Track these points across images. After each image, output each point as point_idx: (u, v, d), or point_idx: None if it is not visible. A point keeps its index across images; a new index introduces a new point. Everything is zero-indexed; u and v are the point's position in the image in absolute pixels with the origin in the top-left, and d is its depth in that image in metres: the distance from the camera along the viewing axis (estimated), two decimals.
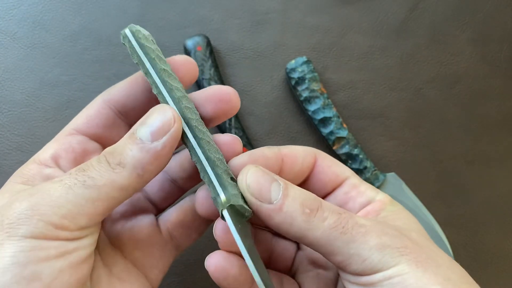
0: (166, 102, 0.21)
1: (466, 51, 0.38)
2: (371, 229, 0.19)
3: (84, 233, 0.19)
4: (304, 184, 0.24)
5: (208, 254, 0.35)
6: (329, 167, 0.23)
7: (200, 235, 0.27)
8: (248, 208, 0.21)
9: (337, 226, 0.19)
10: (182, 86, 0.23)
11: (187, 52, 0.35)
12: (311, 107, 0.35)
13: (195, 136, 0.21)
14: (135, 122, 0.21)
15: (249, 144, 0.35)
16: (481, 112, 0.38)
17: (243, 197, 0.21)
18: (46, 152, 0.23)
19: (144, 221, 0.25)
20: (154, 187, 0.26)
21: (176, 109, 0.21)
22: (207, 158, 0.21)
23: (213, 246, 0.36)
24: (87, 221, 0.19)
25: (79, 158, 0.23)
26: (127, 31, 0.22)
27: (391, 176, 0.36)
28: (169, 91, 0.21)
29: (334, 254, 0.19)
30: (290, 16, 0.38)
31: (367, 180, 0.35)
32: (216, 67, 0.35)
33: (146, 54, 0.22)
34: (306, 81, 0.35)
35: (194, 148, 0.21)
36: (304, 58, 0.35)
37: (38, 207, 0.18)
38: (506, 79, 0.38)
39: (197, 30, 0.37)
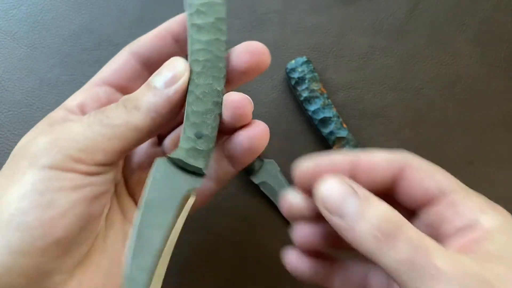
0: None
1: (466, 51, 0.38)
2: (446, 277, 0.15)
3: (99, 170, 0.21)
4: (386, 196, 0.20)
5: (208, 254, 0.35)
6: (421, 180, 0.20)
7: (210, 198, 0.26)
8: (198, 169, 0.21)
9: (408, 260, 0.16)
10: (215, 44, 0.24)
11: None
12: (311, 107, 0.35)
13: (190, 89, 0.22)
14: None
15: None
16: (481, 112, 0.38)
17: (199, 159, 0.22)
18: (74, 100, 0.24)
19: None
20: (171, 142, 0.27)
21: (189, 61, 0.23)
22: (186, 111, 0.22)
23: (213, 246, 0.36)
24: (102, 157, 0.20)
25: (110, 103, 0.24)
26: None
27: None
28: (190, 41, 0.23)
29: (400, 284, 0.17)
30: (290, 16, 0.38)
31: None
32: None
33: (190, 9, 0.23)
34: (306, 81, 0.35)
35: (186, 97, 0.22)
36: (304, 58, 0.35)
37: (58, 141, 0.20)
38: (506, 79, 0.38)
39: None
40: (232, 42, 0.37)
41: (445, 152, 0.37)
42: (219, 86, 0.23)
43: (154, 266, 0.19)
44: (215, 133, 0.23)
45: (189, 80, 0.22)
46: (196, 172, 0.22)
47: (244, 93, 0.37)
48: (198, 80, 0.22)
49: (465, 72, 0.38)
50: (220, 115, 0.23)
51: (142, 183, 0.25)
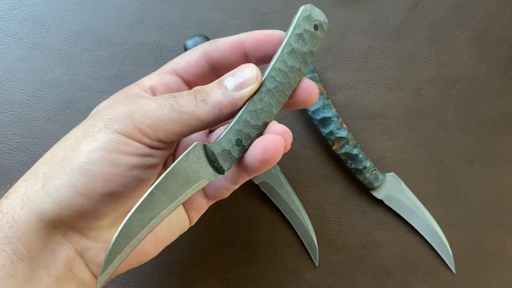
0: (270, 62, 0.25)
1: (466, 51, 0.38)
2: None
3: (159, 145, 0.24)
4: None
5: (208, 254, 0.36)
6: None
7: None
8: (221, 168, 0.24)
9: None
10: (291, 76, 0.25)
11: None
12: (311, 107, 0.35)
13: (253, 95, 0.24)
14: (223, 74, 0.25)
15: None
16: (480, 112, 0.38)
17: (227, 161, 0.24)
18: (148, 81, 0.27)
19: None
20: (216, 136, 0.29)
21: (266, 71, 0.25)
22: (240, 114, 0.24)
23: (213, 246, 0.36)
24: (164, 135, 0.23)
25: (174, 91, 0.27)
26: (306, 7, 0.25)
27: (391, 176, 0.36)
28: (276, 59, 0.25)
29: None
30: (290, 17, 0.38)
31: (366, 180, 0.35)
32: None
33: (294, 30, 0.25)
34: None
35: (246, 104, 0.24)
36: None
37: (132, 113, 0.23)
38: (505, 79, 0.38)
39: (197, 31, 0.37)
40: None
41: (445, 152, 0.37)
42: (276, 110, 0.25)
43: (151, 226, 0.22)
44: (249, 147, 0.25)
45: (257, 91, 0.24)
46: (218, 168, 0.24)
47: None
48: (265, 96, 0.25)
49: (465, 72, 0.38)
50: (261, 134, 0.25)
51: None
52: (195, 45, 0.35)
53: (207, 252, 0.36)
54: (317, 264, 0.35)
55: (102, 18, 0.37)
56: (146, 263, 0.35)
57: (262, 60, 0.27)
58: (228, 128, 0.24)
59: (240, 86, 0.24)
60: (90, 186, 0.22)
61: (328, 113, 0.35)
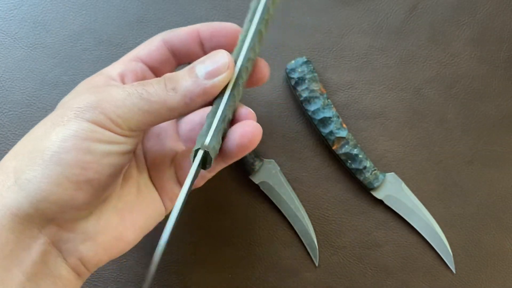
0: (239, 52, 0.25)
1: (466, 52, 0.38)
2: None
3: (130, 134, 0.24)
4: None
5: (208, 254, 0.36)
6: None
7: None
8: (210, 165, 0.24)
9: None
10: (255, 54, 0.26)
11: None
12: (311, 107, 0.35)
13: (232, 89, 0.25)
14: (184, 62, 0.27)
15: None
16: (481, 112, 0.38)
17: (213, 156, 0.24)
18: (114, 69, 0.27)
19: (167, 149, 0.29)
20: (188, 125, 0.30)
21: (240, 61, 0.25)
22: (223, 111, 0.24)
23: (212, 246, 0.36)
24: (135, 125, 0.23)
25: (141, 78, 0.27)
26: None
27: (391, 176, 0.36)
28: (248, 48, 0.25)
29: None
30: (290, 17, 0.38)
31: (366, 179, 0.35)
32: None
33: (263, 11, 0.25)
34: (306, 81, 0.35)
35: (223, 96, 0.24)
36: (304, 59, 0.35)
37: (102, 103, 0.23)
38: (505, 79, 0.38)
39: None
40: None
41: (445, 152, 0.37)
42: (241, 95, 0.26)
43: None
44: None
45: (235, 83, 0.24)
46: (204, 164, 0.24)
47: (244, 93, 0.37)
48: (241, 88, 0.25)
49: (465, 72, 0.38)
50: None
51: (155, 147, 0.29)
52: None
53: (207, 252, 0.36)
54: (317, 264, 0.35)
55: (102, 18, 0.37)
56: (145, 264, 0.35)
57: (214, 49, 0.26)
58: (215, 127, 0.24)
59: (211, 75, 0.24)
60: (65, 175, 0.22)
61: (328, 113, 0.35)
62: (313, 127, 0.37)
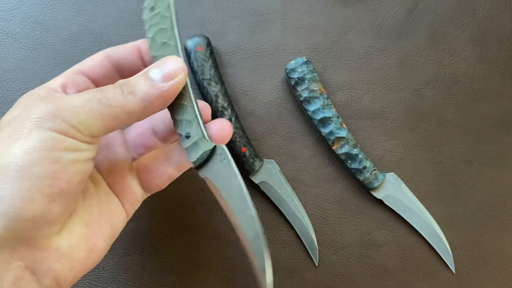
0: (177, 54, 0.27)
1: (465, 52, 0.39)
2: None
3: (92, 140, 0.24)
4: None
5: (208, 254, 0.36)
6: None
7: (164, 183, 0.30)
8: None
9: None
10: None
11: (187, 52, 0.35)
12: (311, 107, 0.35)
13: (192, 93, 0.26)
14: (127, 77, 0.26)
15: (249, 144, 0.35)
16: (480, 112, 0.38)
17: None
18: (56, 82, 0.26)
19: (122, 156, 0.30)
20: (137, 131, 0.31)
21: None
22: (199, 111, 0.26)
23: (213, 246, 0.36)
24: (96, 131, 0.23)
25: (83, 89, 0.27)
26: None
27: (391, 176, 0.36)
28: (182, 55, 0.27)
29: None
30: (290, 17, 0.38)
31: (366, 179, 0.35)
32: (216, 68, 0.35)
33: (176, 21, 0.27)
34: (306, 81, 0.35)
35: (191, 101, 0.26)
36: (304, 59, 0.35)
37: (61, 111, 0.22)
38: (505, 79, 0.38)
39: (197, 31, 0.37)
40: (232, 43, 0.38)
41: (445, 152, 0.37)
42: None
43: None
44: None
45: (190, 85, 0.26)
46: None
47: (244, 93, 0.37)
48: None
49: (464, 72, 0.38)
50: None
51: (110, 156, 0.29)
52: (195, 45, 0.35)
53: (207, 252, 0.36)
54: (317, 264, 0.36)
55: (102, 18, 0.37)
56: (145, 264, 0.35)
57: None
58: (203, 129, 0.26)
59: (167, 78, 0.25)
60: (37, 188, 0.21)
61: (328, 113, 0.35)
62: (313, 127, 0.37)
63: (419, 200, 0.36)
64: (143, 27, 0.37)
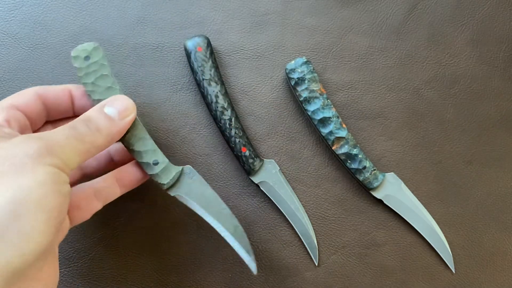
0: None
1: (465, 52, 0.39)
2: None
3: (69, 173, 0.25)
4: None
5: (208, 254, 0.36)
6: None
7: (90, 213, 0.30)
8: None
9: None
10: None
11: (187, 52, 0.35)
12: (311, 107, 0.35)
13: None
14: (54, 118, 0.30)
15: (249, 144, 0.35)
16: (480, 112, 0.38)
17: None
18: None
19: (87, 184, 0.31)
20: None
21: None
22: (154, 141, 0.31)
23: (213, 246, 0.36)
24: (73, 165, 0.25)
25: (22, 130, 0.28)
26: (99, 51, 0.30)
27: (390, 176, 0.36)
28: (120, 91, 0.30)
29: None
30: (289, 17, 0.38)
31: (366, 179, 0.35)
32: (216, 68, 0.35)
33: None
34: (306, 81, 0.35)
35: (147, 134, 0.30)
36: (304, 59, 0.36)
37: (53, 148, 0.24)
38: (505, 79, 0.38)
39: (197, 31, 0.37)
40: (232, 43, 0.38)
41: (444, 152, 0.37)
42: None
43: None
44: None
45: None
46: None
47: (244, 93, 0.37)
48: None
49: (464, 72, 0.38)
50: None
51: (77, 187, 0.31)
52: (195, 45, 0.35)
53: (207, 252, 0.36)
54: (316, 264, 0.36)
55: (103, 18, 0.37)
56: (145, 264, 0.35)
57: (83, 109, 0.30)
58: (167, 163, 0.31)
59: (124, 115, 0.28)
60: (50, 221, 0.22)
61: (327, 113, 0.35)
62: (313, 127, 0.37)
63: (419, 200, 0.36)
64: (143, 27, 0.37)
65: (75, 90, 0.30)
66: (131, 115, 0.28)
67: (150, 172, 0.31)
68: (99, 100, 0.29)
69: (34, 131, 0.29)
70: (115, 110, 0.28)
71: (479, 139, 0.38)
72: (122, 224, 0.35)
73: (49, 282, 0.25)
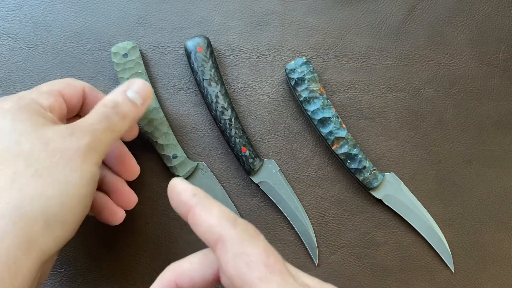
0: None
1: (464, 52, 0.39)
2: None
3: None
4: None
5: None
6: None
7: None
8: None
9: None
10: None
11: (187, 53, 0.35)
12: (311, 107, 0.35)
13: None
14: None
15: (249, 144, 0.35)
16: (479, 112, 0.38)
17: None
18: (44, 100, 0.27)
19: None
20: None
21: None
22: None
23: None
24: (104, 155, 0.26)
25: (62, 117, 0.28)
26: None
27: (390, 176, 0.36)
28: None
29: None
30: (289, 17, 0.38)
31: (365, 179, 0.35)
32: (216, 68, 0.35)
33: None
34: (306, 81, 0.35)
35: (167, 128, 0.34)
36: (304, 59, 0.36)
37: (96, 145, 0.25)
38: (504, 79, 0.38)
39: (197, 31, 0.37)
40: (232, 43, 0.38)
41: (444, 151, 0.37)
42: None
43: None
44: None
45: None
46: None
47: (244, 94, 0.37)
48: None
49: (464, 72, 0.38)
50: None
51: None
52: (195, 45, 0.35)
53: None
54: (316, 263, 0.36)
55: (103, 18, 0.37)
56: (145, 264, 0.35)
57: (93, 103, 0.30)
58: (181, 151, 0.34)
59: (145, 99, 0.28)
60: (83, 214, 0.25)
61: (327, 113, 0.35)
62: (313, 127, 0.37)
63: (419, 199, 0.36)
64: (143, 27, 0.37)
65: (88, 90, 0.30)
66: (150, 100, 0.29)
67: (168, 164, 0.34)
68: None
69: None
70: (138, 95, 0.28)
71: (479, 139, 0.38)
72: (122, 224, 0.35)
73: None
